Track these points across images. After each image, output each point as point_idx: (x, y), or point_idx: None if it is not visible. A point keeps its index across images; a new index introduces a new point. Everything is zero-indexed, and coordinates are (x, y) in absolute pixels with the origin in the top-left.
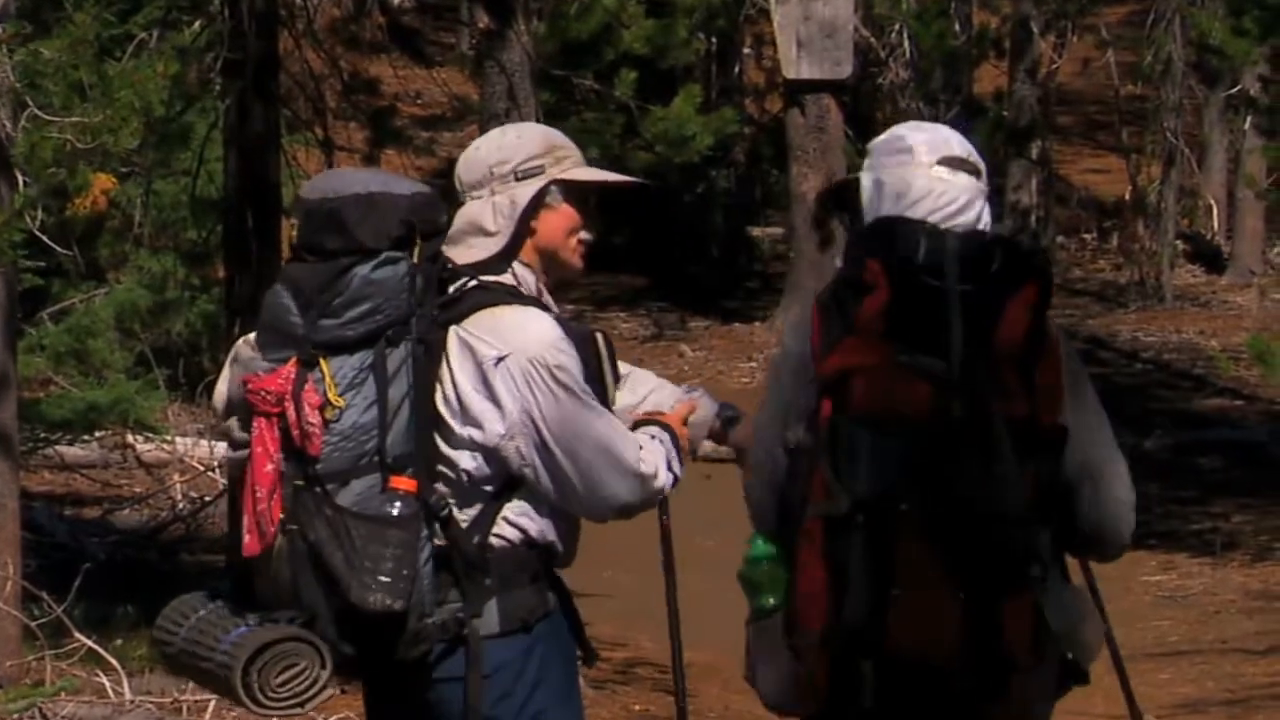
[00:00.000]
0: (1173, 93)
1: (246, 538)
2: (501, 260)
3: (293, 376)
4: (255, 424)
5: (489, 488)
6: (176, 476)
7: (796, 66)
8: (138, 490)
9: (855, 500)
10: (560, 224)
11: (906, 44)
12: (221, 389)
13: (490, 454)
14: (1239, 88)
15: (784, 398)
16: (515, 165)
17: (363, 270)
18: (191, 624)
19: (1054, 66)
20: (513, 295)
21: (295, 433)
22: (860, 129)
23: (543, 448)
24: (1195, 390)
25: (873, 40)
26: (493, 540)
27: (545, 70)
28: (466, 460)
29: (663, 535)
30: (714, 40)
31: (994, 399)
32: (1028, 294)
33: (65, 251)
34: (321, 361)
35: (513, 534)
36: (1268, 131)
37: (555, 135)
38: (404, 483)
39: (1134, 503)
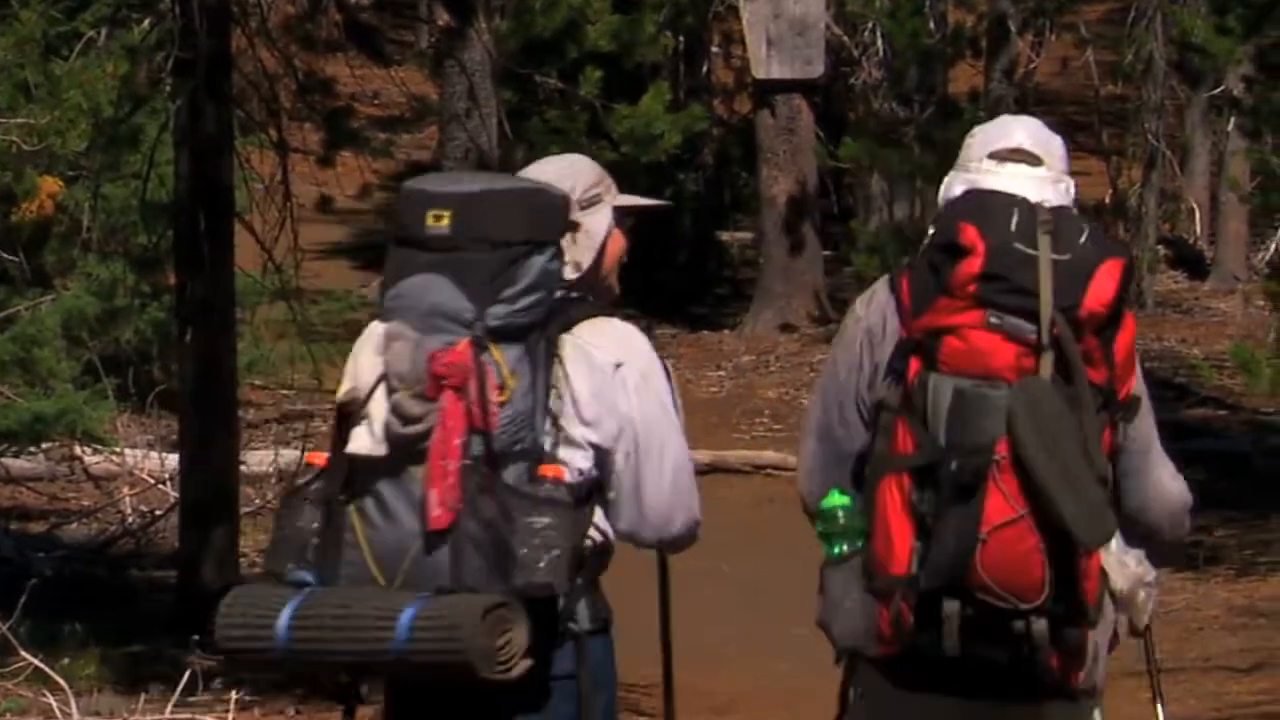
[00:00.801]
0: (1154, 93)
1: (437, 511)
2: (583, 285)
3: (471, 355)
4: (444, 398)
5: (585, 489)
6: (126, 489)
7: (766, 65)
8: (86, 504)
9: (947, 448)
10: (617, 250)
11: (880, 42)
12: (366, 369)
13: (602, 455)
14: (1222, 88)
15: (857, 363)
16: (580, 195)
17: (541, 260)
18: (326, 620)
19: (1032, 66)
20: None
21: (476, 409)
22: (831, 130)
23: (637, 454)
24: (1177, 400)
25: (845, 39)
26: (584, 540)
27: (507, 69)
28: (580, 460)
29: (660, 564)
30: (682, 38)
31: (1080, 362)
32: (1113, 267)
33: (10, 257)
34: (491, 346)
35: (597, 536)
36: (1252, 133)
37: (596, 164)
38: (552, 470)
39: (1184, 496)
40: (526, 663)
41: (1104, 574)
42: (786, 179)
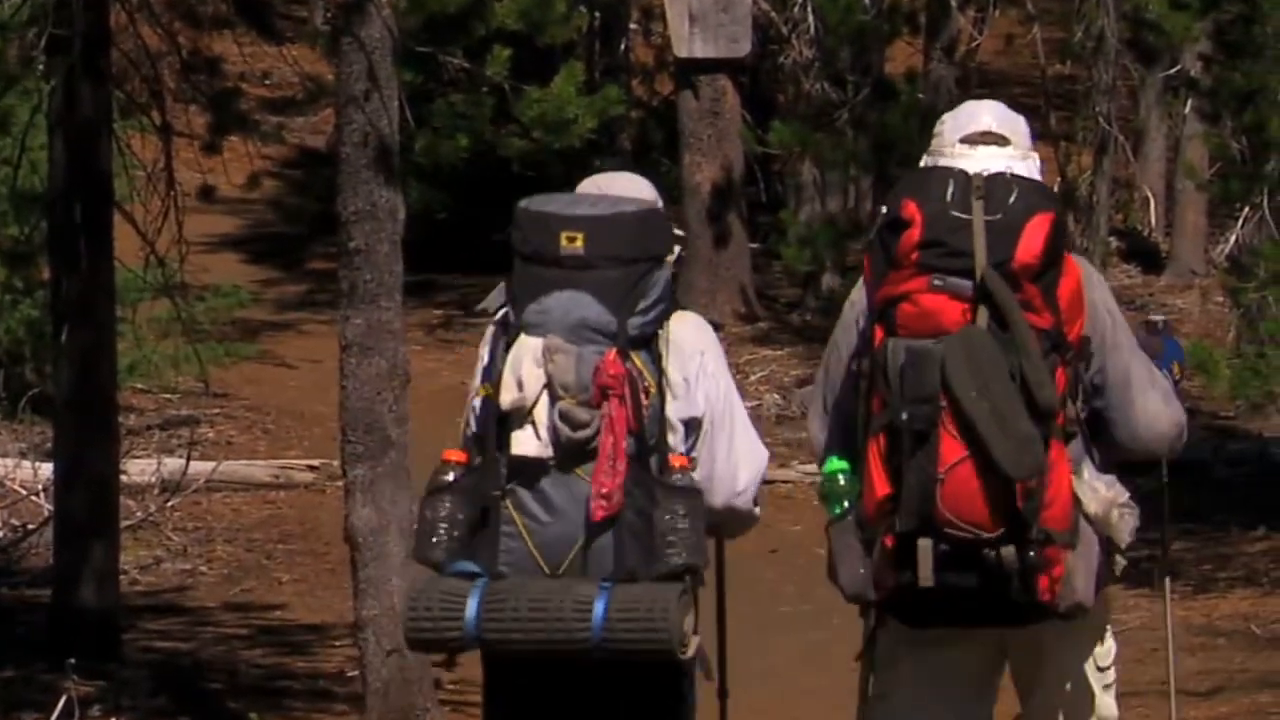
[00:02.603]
0: (1105, 73)
1: (604, 505)
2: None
3: (622, 365)
4: (610, 405)
5: None
6: None
7: (689, 44)
8: None
9: (900, 402)
10: None
11: (811, 19)
12: (530, 379)
13: (690, 431)
14: (1178, 68)
15: (851, 340)
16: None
17: (663, 273)
18: (522, 612)
19: (974, 44)
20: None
21: (632, 414)
22: (759, 112)
23: (713, 428)
24: None
25: (773, 15)
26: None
27: (409, 47)
28: (677, 442)
29: (718, 546)
30: (597, 14)
31: (1018, 309)
32: (1041, 221)
33: None
34: (632, 353)
35: None
36: (1210, 116)
37: None
38: (679, 460)
39: (1174, 419)
40: (697, 639)
41: (1076, 499)
42: (711, 166)
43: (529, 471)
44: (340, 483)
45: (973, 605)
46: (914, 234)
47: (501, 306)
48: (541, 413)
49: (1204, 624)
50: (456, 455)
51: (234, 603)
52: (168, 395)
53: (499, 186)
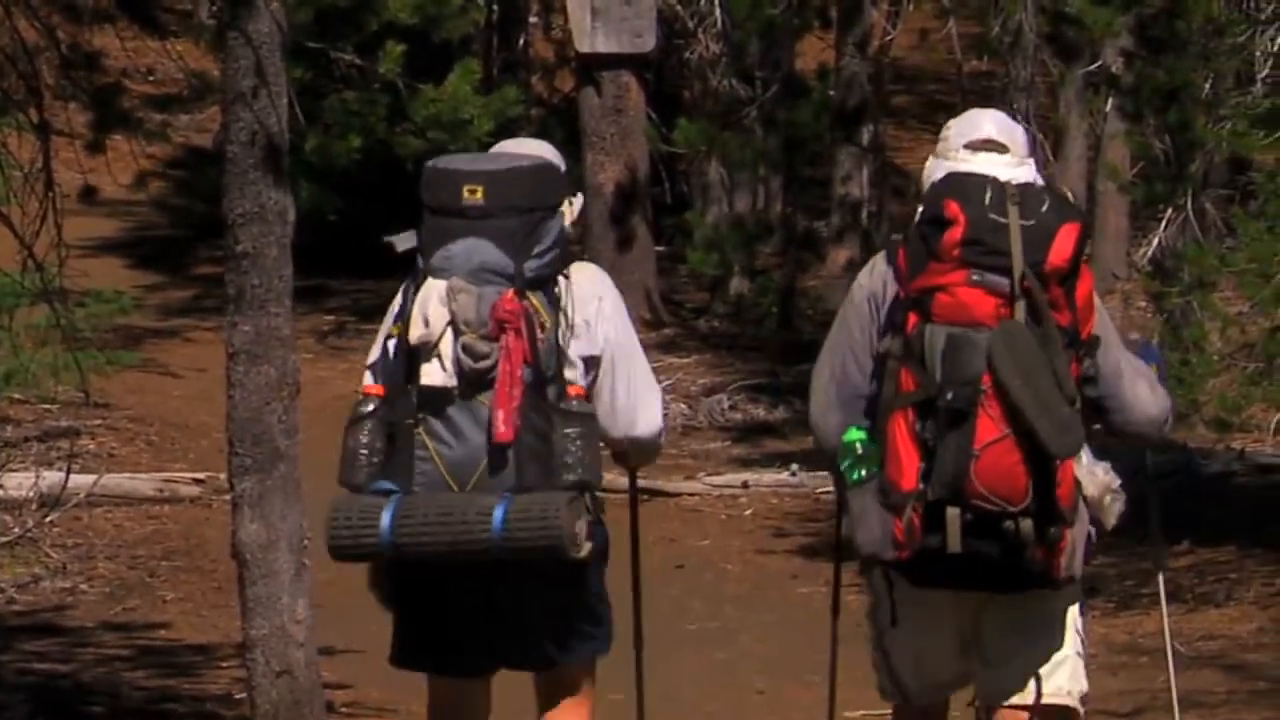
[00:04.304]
0: (1023, 69)
1: (502, 428)
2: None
3: (519, 303)
4: (507, 338)
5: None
6: None
7: (591, 39)
8: None
9: (943, 383)
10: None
11: (717, 12)
12: (435, 316)
13: (589, 368)
14: (1099, 64)
15: (868, 320)
16: (563, 167)
17: (557, 222)
18: (430, 519)
19: (888, 38)
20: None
21: (528, 346)
22: (664, 110)
23: (613, 367)
24: None
25: (678, 8)
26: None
27: (299, 43)
28: (578, 376)
29: (630, 481)
30: (494, 8)
31: (1048, 309)
32: (1070, 230)
33: None
34: (528, 293)
35: None
36: (1132, 115)
37: None
38: (576, 389)
39: (1161, 405)
40: (589, 545)
41: (1077, 482)
42: (614, 165)
43: (437, 400)
44: (227, 497)
45: (983, 572)
46: (957, 232)
47: (409, 250)
48: (446, 347)
49: (1126, 642)
50: (375, 389)
51: (116, 622)
52: (46, 405)
53: (393, 188)
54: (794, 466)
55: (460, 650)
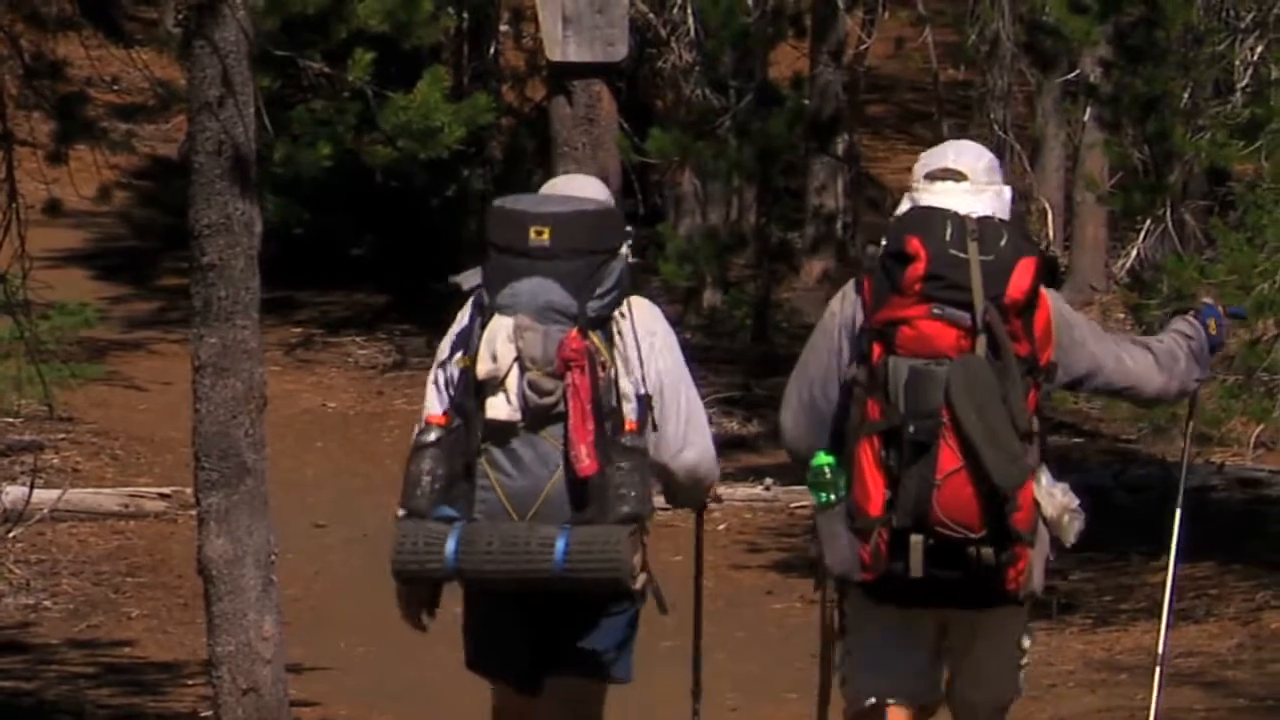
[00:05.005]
0: (1001, 78)
1: (586, 461)
2: None
3: (582, 342)
4: (573, 375)
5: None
6: None
7: (562, 47)
8: None
9: (905, 415)
10: None
11: (691, 21)
12: (503, 353)
13: (642, 403)
14: (1077, 73)
15: (836, 347)
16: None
17: (619, 263)
18: (494, 548)
19: (863, 47)
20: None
21: (589, 383)
22: (637, 119)
23: (663, 400)
24: None
25: (651, 17)
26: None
27: (266, 51)
28: (631, 411)
29: (697, 522)
30: (465, 16)
31: (1008, 341)
32: (1028, 264)
33: None
34: (590, 332)
35: None
36: (1110, 124)
37: None
38: (631, 425)
39: (1155, 362)
40: (644, 576)
41: (1037, 504)
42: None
43: (501, 433)
44: (193, 512)
45: (946, 592)
46: (919, 267)
47: (475, 288)
48: (512, 382)
49: (1105, 658)
50: (438, 418)
51: (80, 639)
52: (10, 419)
53: (362, 198)
54: (768, 481)
55: (519, 664)
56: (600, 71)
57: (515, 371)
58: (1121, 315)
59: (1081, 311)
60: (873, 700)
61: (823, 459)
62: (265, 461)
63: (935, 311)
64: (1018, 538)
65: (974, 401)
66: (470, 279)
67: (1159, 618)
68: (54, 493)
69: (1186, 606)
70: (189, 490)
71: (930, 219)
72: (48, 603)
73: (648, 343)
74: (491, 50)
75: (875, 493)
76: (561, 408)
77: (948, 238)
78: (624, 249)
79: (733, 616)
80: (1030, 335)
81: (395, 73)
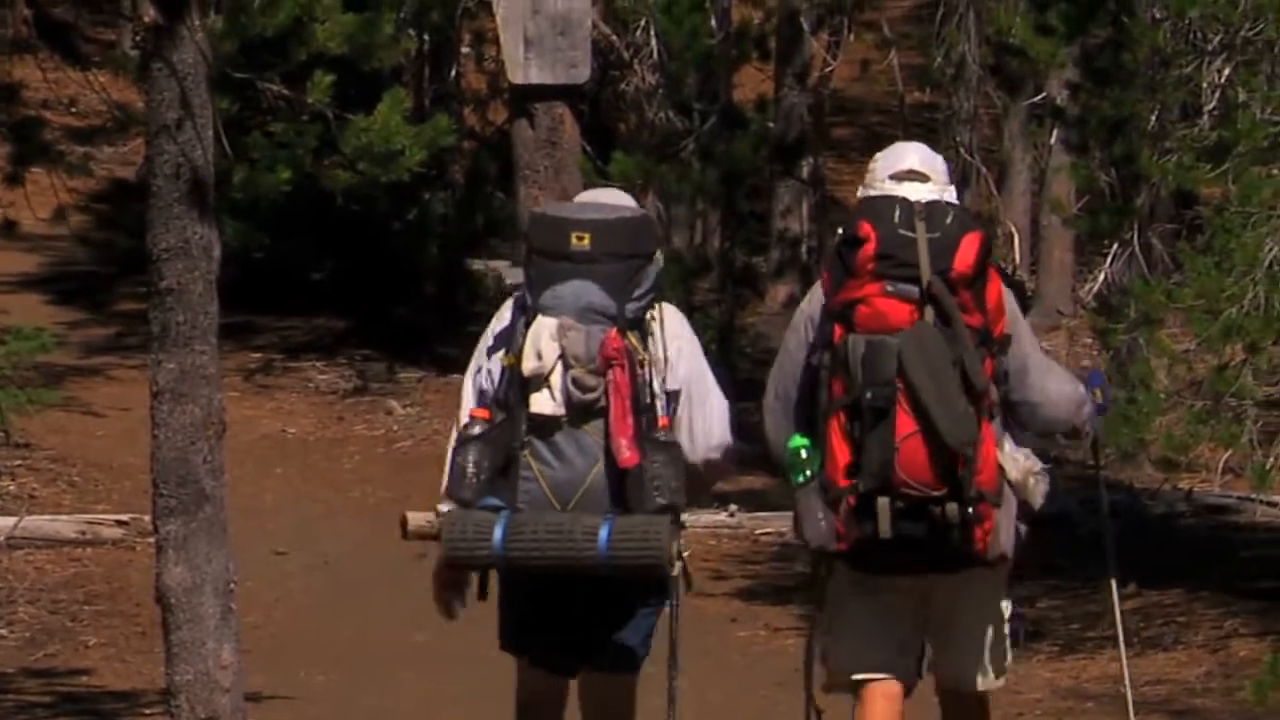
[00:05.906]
0: (966, 101)
1: (627, 453)
2: None
3: (622, 341)
4: (614, 373)
5: None
6: None
7: (524, 69)
8: None
9: (863, 385)
10: None
11: (654, 43)
12: (548, 351)
13: (672, 400)
14: (1044, 96)
15: (803, 341)
16: None
17: (654, 268)
18: (540, 535)
19: (828, 70)
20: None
21: (628, 380)
22: (599, 142)
23: (690, 399)
24: None
25: (614, 39)
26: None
27: (225, 73)
28: (662, 409)
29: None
30: (426, 38)
31: (956, 311)
32: (972, 239)
33: None
34: (628, 332)
35: None
36: (1077, 147)
37: None
38: (664, 421)
39: (1073, 394)
40: (680, 563)
41: (1000, 467)
42: (548, 199)
43: (545, 426)
44: (151, 539)
45: (919, 554)
46: (870, 249)
47: (517, 288)
48: (556, 379)
49: (1072, 686)
50: (481, 413)
51: (36, 668)
52: None
53: (321, 222)
54: (732, 507)
55: (554, 648)
56: (563, 94)
57: (559, 369)
58: (1089, 340)
59: (1048, 336)
60: (854, 675)
61: (798, 441)
62: (224, 488)
63: (889, 289)
64: (981, 497)
65: (925, 366)
66: (513, 275)
67: (1127, 645)
68: (10, 520)
69: (1154, 634)
70: (147, 517)
71: (879, 205)
72: (3, 631)
73: (675, 345)
74: (453, 72)
75: (843, 462)
76: (603, 403)
77: (896, 220)
78: (658, 254)
79: (696, 645)
80: (982, 307)
81: (355, 95)
